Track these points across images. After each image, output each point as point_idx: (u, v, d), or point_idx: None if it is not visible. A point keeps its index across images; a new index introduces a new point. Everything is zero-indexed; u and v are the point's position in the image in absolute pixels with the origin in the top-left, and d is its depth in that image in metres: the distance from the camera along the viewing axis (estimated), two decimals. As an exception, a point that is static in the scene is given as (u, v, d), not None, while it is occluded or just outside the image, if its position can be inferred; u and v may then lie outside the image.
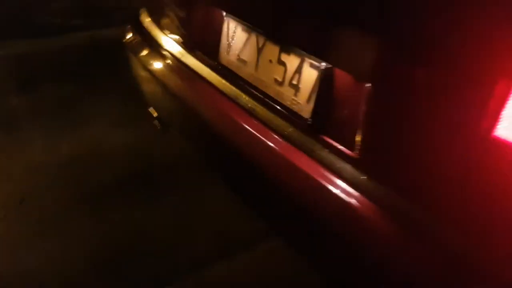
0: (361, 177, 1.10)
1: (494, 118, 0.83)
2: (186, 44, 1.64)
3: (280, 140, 1.26)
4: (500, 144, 0.83)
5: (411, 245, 1.02)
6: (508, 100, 0.82)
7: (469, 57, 0.86)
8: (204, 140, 1.61)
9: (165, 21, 1.74)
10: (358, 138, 1.10)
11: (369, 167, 1.09)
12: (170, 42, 1.71)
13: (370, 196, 1.07)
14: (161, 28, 1.75)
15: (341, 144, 1.15)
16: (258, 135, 1.31)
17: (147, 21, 1.85)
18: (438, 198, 0.96)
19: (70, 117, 2.74)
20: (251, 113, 1.36)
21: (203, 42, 1.57)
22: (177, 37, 1.68)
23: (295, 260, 1.69)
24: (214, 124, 1.47)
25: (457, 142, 0.90)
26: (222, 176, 1.69)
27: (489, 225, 0.88)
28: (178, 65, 1.65)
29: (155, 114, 1.92)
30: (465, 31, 0.87)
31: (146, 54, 1.77)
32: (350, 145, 1.12)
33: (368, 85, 1.04)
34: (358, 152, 1.10)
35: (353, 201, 1.10)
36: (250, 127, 1.34)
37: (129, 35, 1.90)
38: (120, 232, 2.01)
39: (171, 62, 1.68)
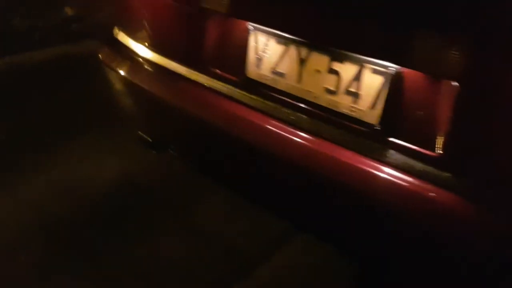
0: (446, 175, 1.11)
1: None
2: (195, 63, 1.53)
3: (342, 149, 1.24)
4: None
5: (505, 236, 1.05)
6: None
7: None
8: (235, 160, 1.52)
9: (165, 41, 1.62)
10: (440, 138, 1.11)
11: (454, 165, 1.10)
12: (171, 63, 1.59)
13: (458, 192, 1.09)
14: (160, 50, 1.63)
15: (419, 146, 1.15)
16: (312, 147, 1.28)
17: (137, 44, 1.71)
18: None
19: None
20: (295, 125, 1.32)
21: (221, 58, 1.48)
22: (181, 56, 1.57)
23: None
24: (250, 140, 1.39)
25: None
26: (264, 200, 1.60)
27: None
28: (187, 86, 1.55)
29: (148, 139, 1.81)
30: None
31: (152, 80, 1.63)
32: (429, 145, 1.13)
33: (455, 84, 1.06)
34: (441, 151, 1.11)
35: (443, 199, 1.11)
36: (300, 139, 1.30)
37: (115, 58, 1.75)
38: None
39: (177, 84, 1.57)
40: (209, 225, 2.03)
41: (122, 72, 1.72)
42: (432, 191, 1.12)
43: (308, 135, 1.30)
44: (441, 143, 1.11)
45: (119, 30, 1.80)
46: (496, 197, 1.06)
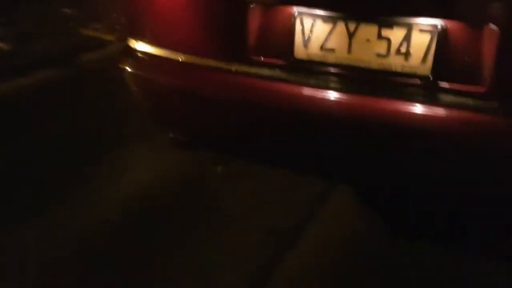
0: (492, 104, 1.37)
1: None
2: (237, 55, 1.67)
3: (401, 102, 1.46)
4: None
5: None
6: None
7: None
8: (300, 136, 1.66)
9: (203, 40, 1.73)
10: (485, 76, 1.37)
11: (498, 95, 1.37)
12: (210, 61, 1.72)
13: (503, 116, 1.36)
14: (197, 50, 1.74)
15: (468, 86, 1.40)
16: (372, 106, 1.49)
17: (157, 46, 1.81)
18: None
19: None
20: (350, 92, 1.52)
21: (265, 46, 1.64)
22: (222, 51, 1.70)
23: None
24: (309, 113, 1.57)
25: None
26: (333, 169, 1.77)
27: None
28: (231, 78, 1.69)
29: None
30: None
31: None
32: (477, 83, 1.38)
33: (494, 27, 1.32)
34: (486, 87, 1.37)
35: (492, 123, 1.37)
36: (358, 102, 1.50)
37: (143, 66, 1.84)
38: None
39: (221, 78, 1.71)
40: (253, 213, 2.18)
41: (159, 78, 1.82)
42: (483, 118, 1.38)
43: (365, 96, 1.50)
44: (486, 80, 1.37)
45: (138, 39, 1.88)
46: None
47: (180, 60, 1.77)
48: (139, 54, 1.88)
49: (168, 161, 2.50)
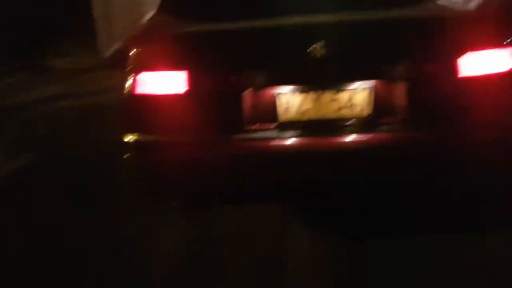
0: (406, 129, 2.32)
1: None
2: (233, 128, 2.35)
3: (354, 134, 2.31)
4: None
5: None
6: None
7: None
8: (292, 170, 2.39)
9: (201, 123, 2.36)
10: (401, 111, 2.30)
11: (410, 123, 2.31)
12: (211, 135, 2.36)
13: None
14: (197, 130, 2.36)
15: (391, 117, 2.31)
16: (336, 142, 2.32)
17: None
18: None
19: None
20: (319, 134, 2.33)
21: (255, 118, 2.35)
22: (221, 127, 2.36)
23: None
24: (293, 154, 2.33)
25: None
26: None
27: None
28: (229, 146, 2.36)
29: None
30: None
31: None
32: (395, 116, 2.31)
33: (402, 82, 2.27)
34: (402, 118, 2.31)
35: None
36: (332, 138, 2.33)
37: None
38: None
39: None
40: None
41: (169, 159, 2.38)
42: (399, 136, 2.31)
43: (329, 137, 2.33)
44: (401, 114, 2.30)
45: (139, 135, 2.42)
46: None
47: (186, 141, 2.38)
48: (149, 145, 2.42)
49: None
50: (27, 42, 6.70)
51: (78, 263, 2.57)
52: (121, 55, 6.52)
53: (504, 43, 2.25)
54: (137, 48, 2.43)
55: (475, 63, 2.25)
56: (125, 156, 2.45)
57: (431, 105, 2.30)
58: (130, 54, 2.43)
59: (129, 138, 2.45)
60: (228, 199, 2.60)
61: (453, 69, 2.24)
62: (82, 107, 5.12)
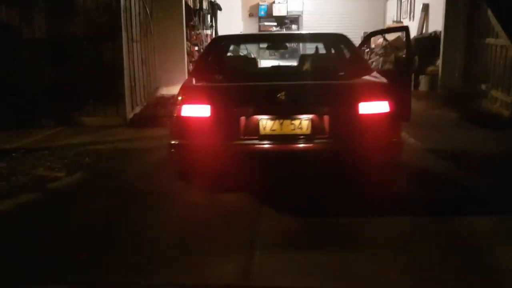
0: (330, 142, 4.26)
1: None
2: (234, 139, 4.23)
3: (299, 145, 4.22)
4: None
5: None
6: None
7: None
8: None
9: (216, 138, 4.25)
10: (327, 131, 4.24)
11: (332, 137, 4.25)
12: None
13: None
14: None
15: (320, 135, 4.24)
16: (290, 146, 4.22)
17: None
18: None
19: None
20: (284, 142, 4.23)
21: (246, 133, 4.24)
22: (227, 139, 4.25)
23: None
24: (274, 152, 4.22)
25: None
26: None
27: None
28: (233, 147, 4.24)
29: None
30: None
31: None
32: (325, 134, 4.24)
33: (327, 116, 4.22)
34: (327, 135, 4.24)
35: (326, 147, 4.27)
36: (289, 144, 4.23)
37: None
38: None
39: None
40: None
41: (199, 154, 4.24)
42: (326, 146, 4.23)
43: (287, 144, 4.23)
44: (327, 133, 4.24)
45: (180, 139, 4.30)
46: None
47: (208, 144, 4.25)
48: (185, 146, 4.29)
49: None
50: (60, 101, 8.22)
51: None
52: (141, 117, 8.45)
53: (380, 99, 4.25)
54: (183, 92, 4.38)
55: (365, 108, 4.22)
56: (171, 151, 4.29)
57: (342, 129, 4.24)
58: (179, 94, 4.36)
59: (174, 141, 4.31)
60: (229, 178, 4.43)
61: (354, 110, 4.21)
62: (114, 148, 6.94)
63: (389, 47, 10.83)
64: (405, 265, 3.36)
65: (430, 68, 10.82)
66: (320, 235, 3.86)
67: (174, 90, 10.85)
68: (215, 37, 5.20)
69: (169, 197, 4.69)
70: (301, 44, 14.59)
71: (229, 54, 5.81)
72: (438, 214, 4.19)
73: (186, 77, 11.38)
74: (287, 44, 6.53)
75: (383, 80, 4.45)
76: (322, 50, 6.52)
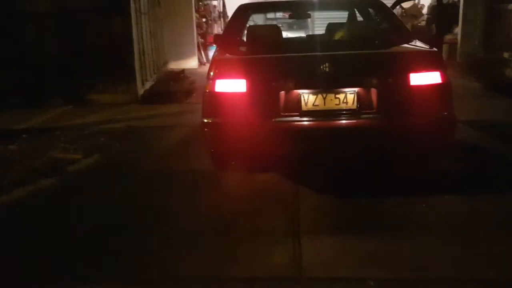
0: (379, 117, 3.92)
1: None
2: (275, 115, 3.89)
3: (346, 119, 3.88)
4: None
5: None
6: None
7: None
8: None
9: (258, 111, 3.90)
10: (375, 105, 3.89)
11: (381, 113, 3.91)
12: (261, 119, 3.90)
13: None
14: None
15: (369, 110, 3.90)
16: (337, 123, 3.88)
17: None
18: None
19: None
20: (328, 119, 3.89)
21: (288, 108, 3.89)
22: (270, 113, 3.89)
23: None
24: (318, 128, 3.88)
25: None
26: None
27: None
28: (272, 125, 3.89)
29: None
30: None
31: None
32: (372, 108, 3.89)
33: (374, 89, 3.87)
34: (375, 109, 3.89)
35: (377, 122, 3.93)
36: (333, 121, 3.88)
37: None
38: None
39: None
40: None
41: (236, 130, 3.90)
42: (374, 121, 3.88)
43: (333, 120, 3.88)
44: (375, 107, 3.89)
45: (215, 117, 3.95)
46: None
47: (245, 122, 3.89)
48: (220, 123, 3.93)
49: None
50: (68, 78, 7.91)
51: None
52: (152, 94, 8.07)
53: (433, 69, 3.89)
54: (215, 65, 3.99)
55: (417, 79, 3.86)
56: (204, 130, 3.94)
57: (391, 103, 3.88)
58: (211, 68, 3.98)
59: (207, 119, 3.96)
60: (267, 159, 4.09)
61: (405, 82, 3.85)
62: (128, 127, 6.59)
63: (405, 15, 10.39)
64: (465, 250, 3.11)
65: (448, 37, 10.42)
66: (370, 218, 3.65)
67: (183, 64, 10.58)
68: (240, 5, 4.72)
69: (203, 178, 4.41)
70: (313, 14, 14.06)
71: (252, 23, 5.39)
72: (496, 193, 3.91)
73: (196, 51, 11.08)
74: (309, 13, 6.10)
75: (433, 48, 4.09)
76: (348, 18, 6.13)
